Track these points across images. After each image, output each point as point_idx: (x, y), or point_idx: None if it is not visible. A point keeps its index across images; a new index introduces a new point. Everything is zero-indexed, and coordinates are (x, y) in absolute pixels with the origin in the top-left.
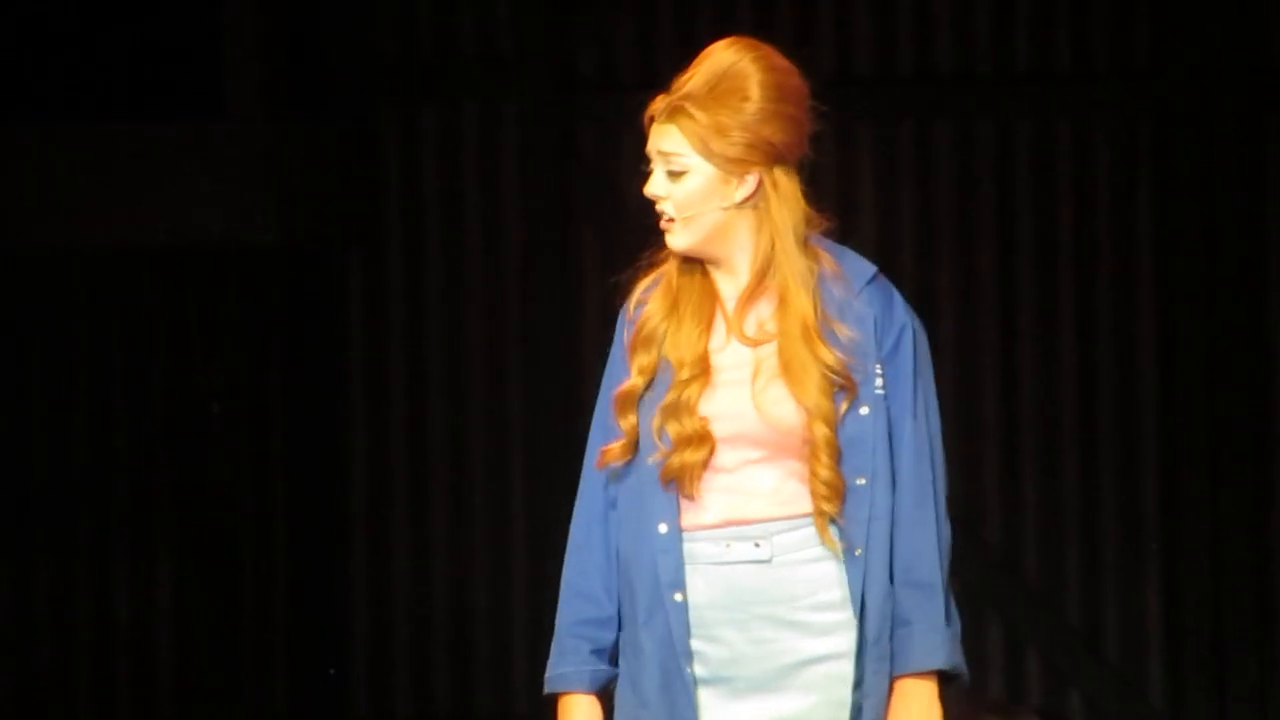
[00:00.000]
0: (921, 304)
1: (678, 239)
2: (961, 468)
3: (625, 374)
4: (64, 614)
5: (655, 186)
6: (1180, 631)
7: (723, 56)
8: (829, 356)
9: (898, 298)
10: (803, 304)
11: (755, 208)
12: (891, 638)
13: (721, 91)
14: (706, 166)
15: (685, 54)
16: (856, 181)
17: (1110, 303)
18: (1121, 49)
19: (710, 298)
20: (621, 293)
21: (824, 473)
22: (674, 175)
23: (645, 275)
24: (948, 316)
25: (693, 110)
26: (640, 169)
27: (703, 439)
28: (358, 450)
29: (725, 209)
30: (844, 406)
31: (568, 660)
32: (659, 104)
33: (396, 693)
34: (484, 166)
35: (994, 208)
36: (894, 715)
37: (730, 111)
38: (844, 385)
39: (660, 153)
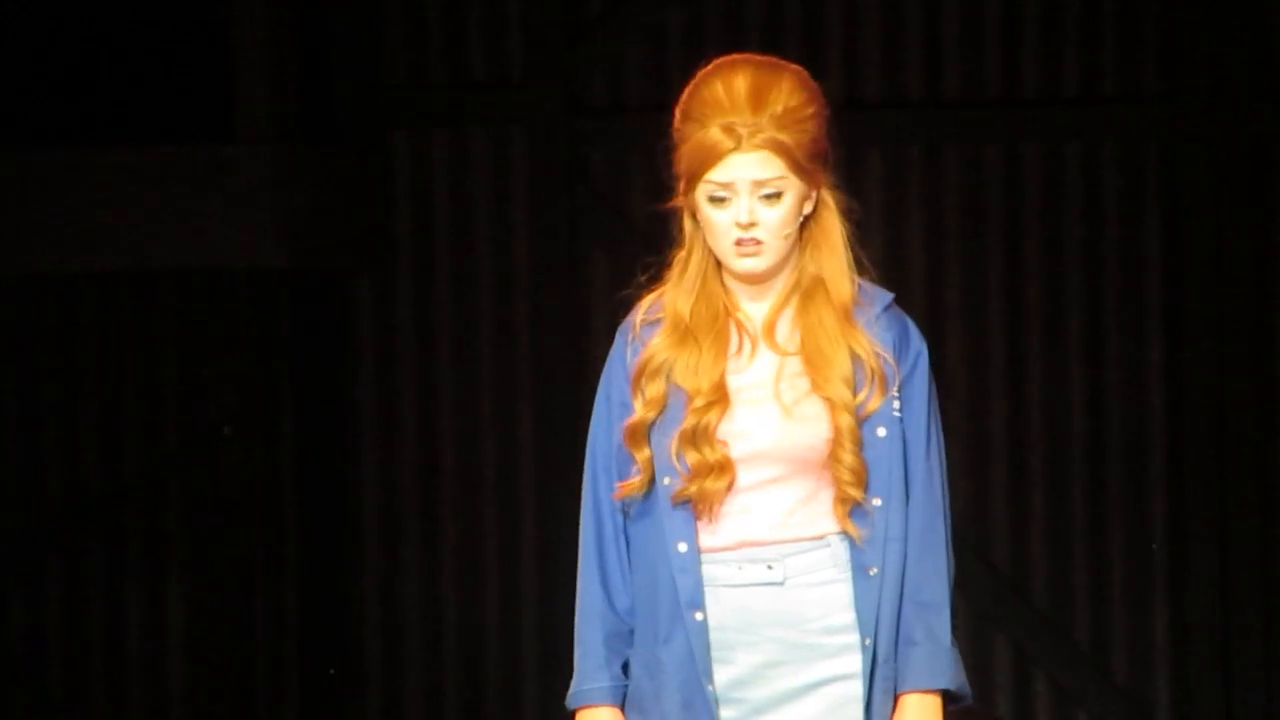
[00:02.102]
0: (930, 327)
1: (763, 261)
2: (969, 488)
3: (623, 392)
4: (76, 635)
5: (746, 214)
6: (1187, 653)
7: (766, 72)
8: (863, 340)
9: (912, 325)
10: (844, 292)
11: (804, 222)
12: (896, 657)
13: (790, 107)
14: (798, 185)
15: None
16: (865, 206)
17: (1118, 326)
18: (1130, 74)
19: (724, 321)
20: (625, 308)
21: (848, 459)
22: (770, 199)
23: (648, 293)
24: (956, 339)
25: (778, 132)
26: (653, 192)
27: (724, 468)
28: (368, 472)
29: (797, 224)
30: (870, 404)
31: (601, 675)
32: (723, 136)
33: (408, 715)
34: (493, 190)
35: (1002, 232)
36: None
37: (806, 125)
38: (870, 380)
39: (754, 181)
